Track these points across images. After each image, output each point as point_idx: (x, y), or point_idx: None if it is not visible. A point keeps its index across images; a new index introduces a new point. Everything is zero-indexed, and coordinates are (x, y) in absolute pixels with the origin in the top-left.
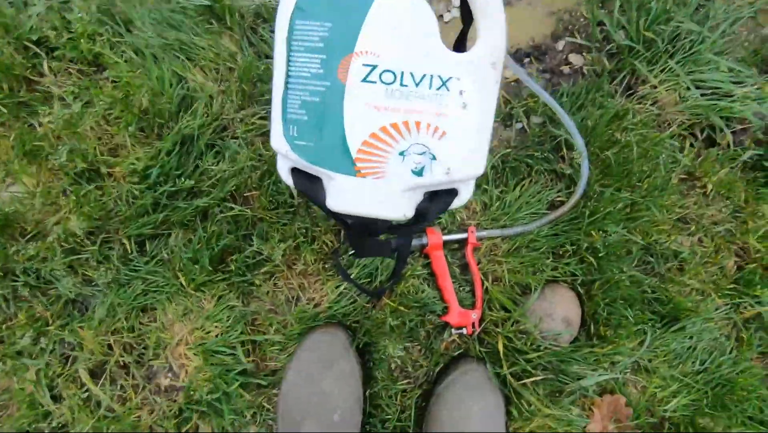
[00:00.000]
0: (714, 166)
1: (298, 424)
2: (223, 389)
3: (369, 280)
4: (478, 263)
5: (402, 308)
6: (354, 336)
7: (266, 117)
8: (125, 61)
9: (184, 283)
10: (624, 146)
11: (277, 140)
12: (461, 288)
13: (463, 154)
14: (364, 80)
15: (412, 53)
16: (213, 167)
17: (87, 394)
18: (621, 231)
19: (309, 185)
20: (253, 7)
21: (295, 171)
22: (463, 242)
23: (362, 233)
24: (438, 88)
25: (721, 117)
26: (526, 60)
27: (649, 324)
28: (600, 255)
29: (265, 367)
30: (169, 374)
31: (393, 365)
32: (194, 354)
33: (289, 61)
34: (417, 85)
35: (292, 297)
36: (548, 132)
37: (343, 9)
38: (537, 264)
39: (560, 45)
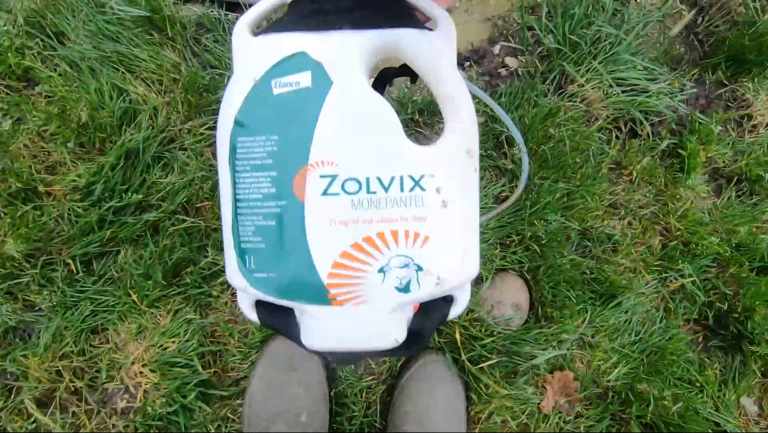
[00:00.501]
0: (637, 156)
1: (266, 429)
2: (180, 402)
3: None
4: None
5: None
6: None
7: (214, 127)
8: (59, 75)
9: (136, 300)
10: (558, 141)
11: (234, 276)
12: None
13: (452, 258)
14: (325, 194)
15: (376, 155)
16: (161, 180)
17: (35, 425)
18: (560, 219)
19: (279, 319)
20: (194, 18)
21: (260, 303)
22: None
23: (348, 363)
24: (411, 190)
25: (641, 111)
26: (466, 64)
27: (590, 303)
28: (543, 242)
29: (228, 378)
30: (126, 396)
31: (357, 364)
32: (150, 371)
33: (235, 183)
34: (386, 189)
35: None
36: (490, 130)
37: (289, 117)
38: (486, 255)
39: (497, 49)
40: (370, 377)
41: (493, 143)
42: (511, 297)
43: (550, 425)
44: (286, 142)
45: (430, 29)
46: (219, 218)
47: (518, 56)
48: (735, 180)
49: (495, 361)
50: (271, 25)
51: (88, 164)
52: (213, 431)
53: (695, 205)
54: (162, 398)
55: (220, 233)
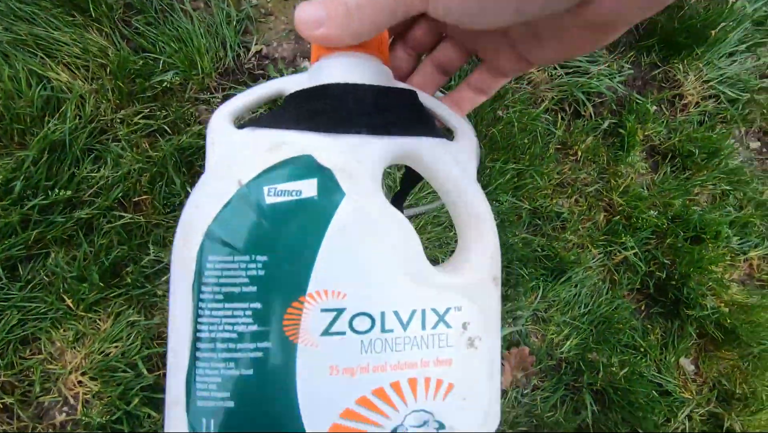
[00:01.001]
0: (581, 136)
1: None
2: (123, 409)
3: None
4: None
5: None
6: None
7: (151, 116)
8: None
9: (71, 305)
10: (507, 122)
11: None
12: None
13: (478, 410)
14: (327, 333)
15: (394, 285)
16: (93, 174)
17: None
18: (511, 199)
19: None
20: None
21: None
22: None
23: None
24: (434, 327)
25: (583, 92)
26: None
27: (542, 279)
28: (496, 223)
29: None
30: (65, 408)
31: None
32: (90, 379)
33: (197, 316)
34: (405, 327)
35: None
36: None
37: (286, 234)
38: (442, 238)
39: None
40: None
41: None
42: None
43: (508, 399)
44: (278, 265)
45: (449, 139)
46: (159, 212)
47: None
48: (669, 156)
49: None
50: (261, 117)
51: (5, 159)
52: None
53: (635, 181)
54: (103, 406)
55: (161, 230)
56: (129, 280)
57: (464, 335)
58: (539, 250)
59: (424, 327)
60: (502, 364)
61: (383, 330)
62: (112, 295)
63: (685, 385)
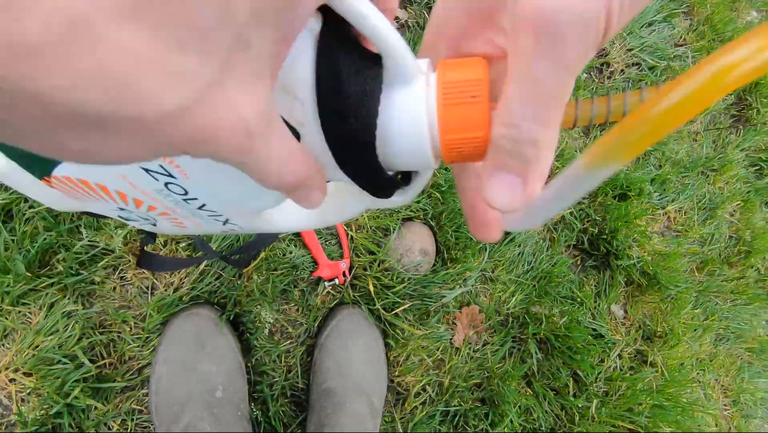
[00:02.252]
0: None
1: (178, 413)
2: (62, 401)
3: (230, 251)
4: None
5: (271, 272)
6: (223, 311)
7: None
8: None
9: None
10: None
11: None
12: (328, 242)
13: None
14: None
15: None
16: None
17: None
18: None
19: None
20: None
21: None
22: None
23: None
24: None
25: None
26: None
27: None
28: (443, 189)
29: (129, 368)
30: None
31: (272, 329)
32: (25, 375)
33: None
34: None
35: (146, 287)
36: None
37: None
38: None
39: None
40: (288, 341)
41: None
42: (418, 244)
43: (461, 356)
44: None
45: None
46: None
47: (406, 7)
48: None
49: (408, 305)
50: None
51: None
52: (116, 428)
53: (570, 145)
54: (40, 401)
55: None
56: (61, 268)
57: None
58: None
59: None
60: (455, 323)
61: None
62: (42, 285)
63: (615, 328)
